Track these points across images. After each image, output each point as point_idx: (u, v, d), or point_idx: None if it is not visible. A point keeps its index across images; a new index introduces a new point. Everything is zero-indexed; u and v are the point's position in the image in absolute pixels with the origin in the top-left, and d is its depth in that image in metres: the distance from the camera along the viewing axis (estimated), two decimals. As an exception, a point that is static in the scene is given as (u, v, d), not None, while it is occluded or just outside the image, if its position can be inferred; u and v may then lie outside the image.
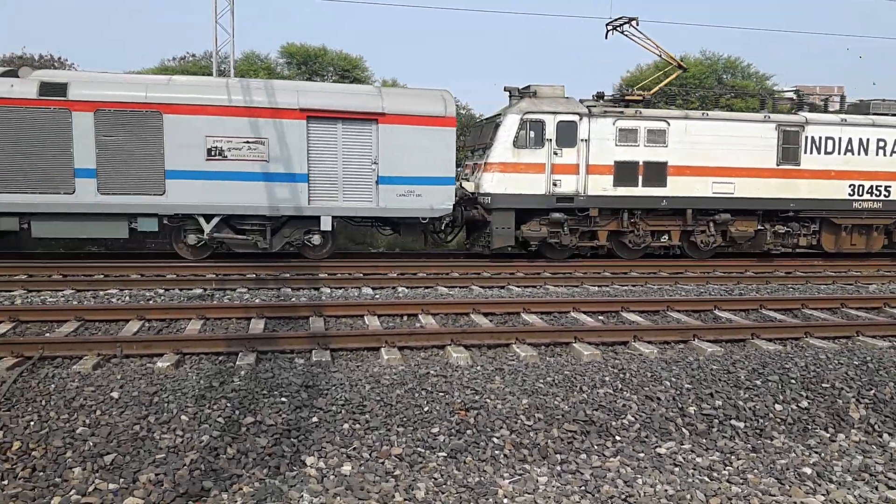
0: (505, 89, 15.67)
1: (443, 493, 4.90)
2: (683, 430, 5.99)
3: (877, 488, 5.18)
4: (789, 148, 15.83)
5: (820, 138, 16.02)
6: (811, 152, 15.98)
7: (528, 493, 4.91)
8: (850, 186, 16.24)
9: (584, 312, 9.82)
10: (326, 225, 13.82)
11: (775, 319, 9.81)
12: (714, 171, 15.50)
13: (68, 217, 12.84)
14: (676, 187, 15.33)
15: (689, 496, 4.90)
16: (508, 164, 14.60)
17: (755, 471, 5.39)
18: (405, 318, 9.34)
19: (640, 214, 15.46)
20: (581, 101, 15.43)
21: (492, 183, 14.58)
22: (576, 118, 14.77)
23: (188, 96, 13.08)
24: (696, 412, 6.20)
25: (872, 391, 6.70)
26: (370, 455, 5.34)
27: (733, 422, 6.12)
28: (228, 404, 5.82)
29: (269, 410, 5.78)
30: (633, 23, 16.04)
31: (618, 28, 16.38)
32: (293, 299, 10.38)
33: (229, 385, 6.23)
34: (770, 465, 5.49)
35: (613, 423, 5.97)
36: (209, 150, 13.13)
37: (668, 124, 15.25)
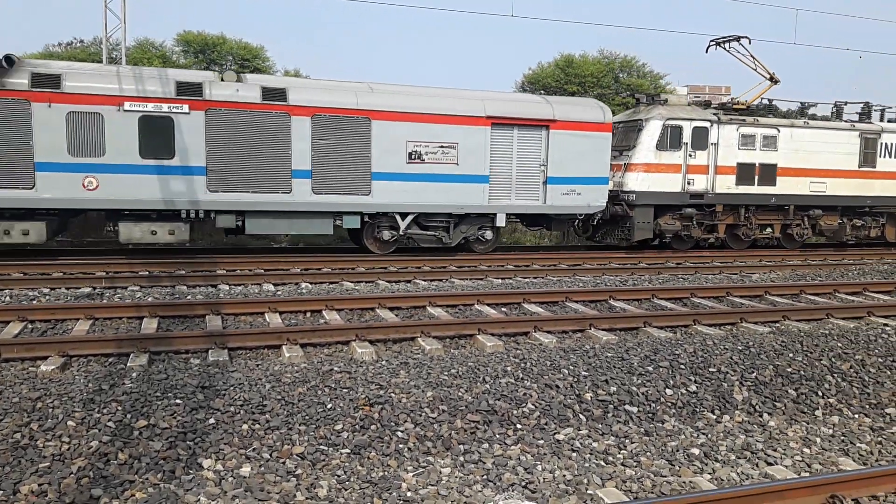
0: (633, 96, 18.33)
1: (346, 489, 4.86)
2: (581, 416, 6.20)
3: (757, 465, 5.53)
4: (868, 153, 18.69)
5: (891, 144, 18.97)
6: (885, 156, 18.92)
7: (432, 485, 4.94)
8: None
9: (488, 305, 9.98)
10: (501, 221, 15.40)
11: (666, 308, 10.31)
12: (811, 173, 18.03)
13: (282, 215, 13.78)
14: (783, 186, 17.74)
15: (586, 480, 5.08)
16: (651, 165, 16.51)
17: (648, 453, 5.64)
18: (308, 314, 9.19)
19: (752, 210, 17.77)
20: (706, 109, 17.63)
21: (636, 181, 16.46)
22: (707, 124, 16.86)
23: (393, 103, 14.19)
24: (592, 398, 6.42)
25: (754, 374, 7.15)
26: (270, 455, 5.22)
27: (627, 407, 6.38)
28: (119, 408, 5.54)
29: (163, 413, 5.54)
30: (741, 41, 18.00)
31: (722, 44, 18.25)
32: (189, 297, 10.00)
33: (120, 388, 5.94)
34: (661, 448, 5.76)
35: (514, 412, 6.09)
36: (409, 154, 14.36)
37: (779, 131, 17.64)
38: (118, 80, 12.70)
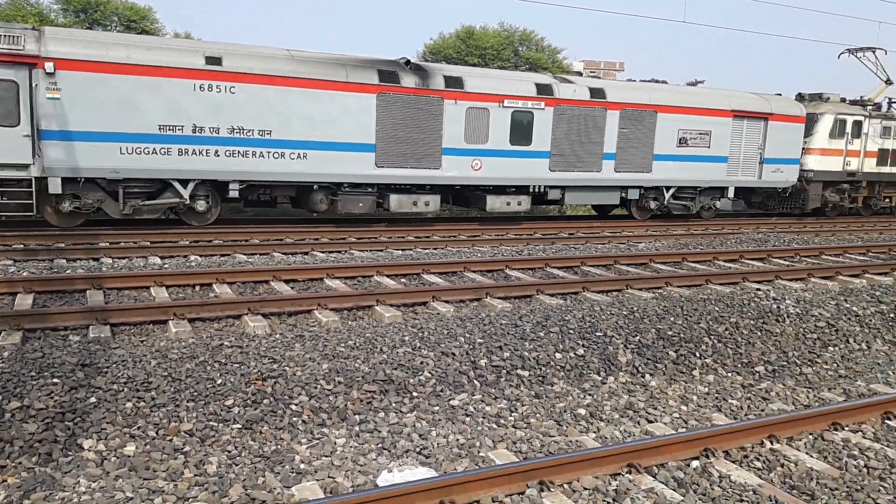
0: (799, 96, 22.14)
1: (236, 465, 4.77)
2: (475, 381, 6.34)
3: (639, 423, 5.85)
4: None
5: None
6: None
7: (326, 456, 4.93)
8: None
9: (388, 276, 9.98)
10: (731, 193, 19.71)
11: (558, 276, 10.65)
12: None
13: (589, 189, 17.32)
14: None
15: (478, 443, 5.21)
16: (824, 150, 21.08)
17: (537, 415, 5.85)
18: (197, 288, 8.87)
19: (882, 186, 22.94)
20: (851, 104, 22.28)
21: (814, 162, 20.98)
22: (862, 118, 21.63)
23: (671, 99, 17.99)
24: (486, 364, 6.57)
25: (637, 337, 7.53)
26: (157, 433, 5.05)
27: (519, 371, 6.58)
28: (-13, 390, 5.18)
29: (38, 393, 5.23)
30: (875, 52, 22.96)
31: (855, 53, 23.35)
32: (68, 272, 9.42)
33: (-12, 369, 5.54)
34: (550, 409, 5.98)
35: (411, 381, 6.15)
36: (679, 140, 18.06)
37: None
38: (499, 82, 16.08)
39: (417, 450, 5.08)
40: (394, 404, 5.86)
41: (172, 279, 8.83)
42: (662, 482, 4.59)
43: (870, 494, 4.60)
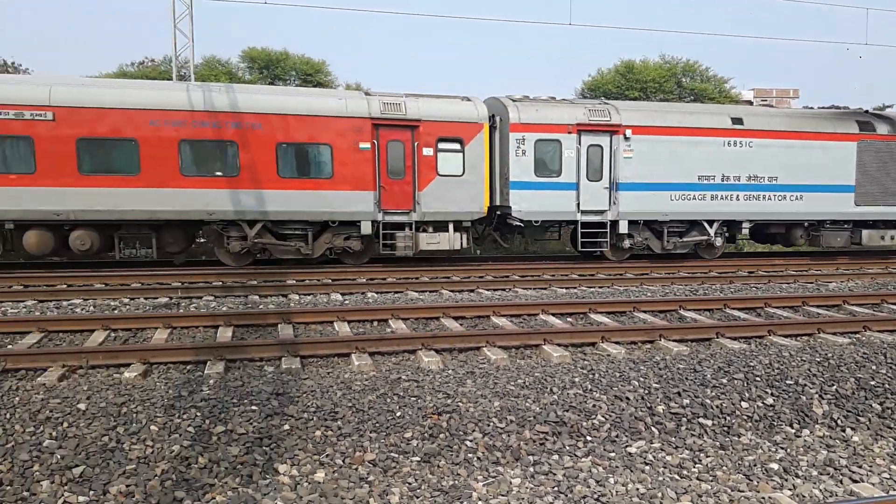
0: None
1: (417, 497, 4.90)
2: (653, 428, 6.08)
3: (841, 482, 5.32)
4: None
5: None
6: None
7: (503, 495, 4.94)
8: None
9: (553, 315, 9.91)
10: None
11: (739, 318, 10.01)
12: None
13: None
14: None
15: (660, 494, 4.98)
16: None
17: (724, 468, 5.50)
18: (375, 323, 9.32)
19: None
20: None
21: None
22: None
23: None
24: (664, 411, 6.29)
25: (834, 387, 6.88)
26: (343, 461, 5.32)
27: (701, 419, 6.23)
28: (198, 413, 5.74)
29: (239, 419, 5.72)
30: None
31: None
32: (261, 307, 10.28)
33: (199, 394, 6.15)
34: (738, 462, 5.60)
35: (584, 424, 6.03)
36: None
37: None
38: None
39: (595, 496, 4.95)
40: (567, 447, 5.76)
41: (353, 315, 9.36)
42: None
43: None
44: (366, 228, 14.40)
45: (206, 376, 6.76)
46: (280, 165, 13.80)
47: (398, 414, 5.94)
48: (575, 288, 12.62)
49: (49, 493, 4.73)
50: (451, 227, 15.04)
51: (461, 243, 15.17)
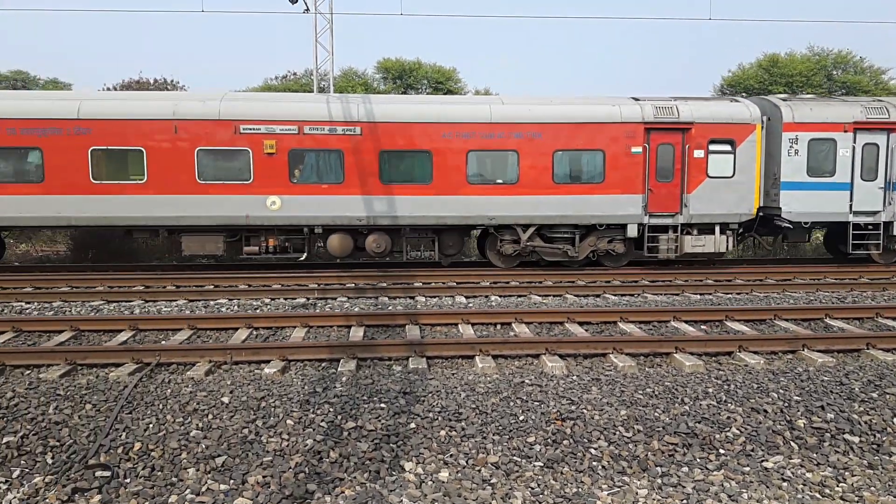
0: None
1: (540, 502, 4.90)
2: (792, 443, 5.72)
3: None
4: None
5: None
6: None
7: (628, 506, 4.83)
8: None
9: (686, 322, 9.55)
10: None
11: (893, 328, 9.19)
12: None
13: None
14: None
15: (799, 514, 4.69)
16: None
17: (872, 488, 5.08)
18: (498, 326, 9.38)
19: None
20: None
21: None
22: None
23: None
24: (805, 425, 5.90)
25: None
26: (467, 462, 5.41)
27: (847, 436, 5.79)
28: (331, 409, 6.04)
29: (369, 416, 5.96)
30: None
31: None
32: (390, 308, 10.64)
33: (332, 391, 6.47)
34: (889, 483, 5.15)
35: (717, 436, 5.77)
36: None
37: None
38: None
39: (727, 511, 4.73)
40: (698, 459, 5.54)
41: (477, 317, 9.48)
42: None
43: None
44: (632, 231, 14.62)
45: (339, 373, 7.09)
46: (556, 171, 14.34)
47: (521, 418, 5.96)
48: (710, 294, 12.08)
49: (194, 480, 5.14)
50: (717, 229, 14.91)
51: (727, 246, 14.97)
